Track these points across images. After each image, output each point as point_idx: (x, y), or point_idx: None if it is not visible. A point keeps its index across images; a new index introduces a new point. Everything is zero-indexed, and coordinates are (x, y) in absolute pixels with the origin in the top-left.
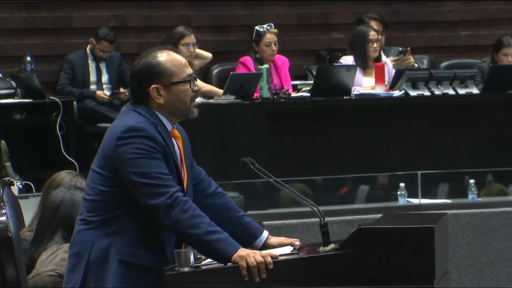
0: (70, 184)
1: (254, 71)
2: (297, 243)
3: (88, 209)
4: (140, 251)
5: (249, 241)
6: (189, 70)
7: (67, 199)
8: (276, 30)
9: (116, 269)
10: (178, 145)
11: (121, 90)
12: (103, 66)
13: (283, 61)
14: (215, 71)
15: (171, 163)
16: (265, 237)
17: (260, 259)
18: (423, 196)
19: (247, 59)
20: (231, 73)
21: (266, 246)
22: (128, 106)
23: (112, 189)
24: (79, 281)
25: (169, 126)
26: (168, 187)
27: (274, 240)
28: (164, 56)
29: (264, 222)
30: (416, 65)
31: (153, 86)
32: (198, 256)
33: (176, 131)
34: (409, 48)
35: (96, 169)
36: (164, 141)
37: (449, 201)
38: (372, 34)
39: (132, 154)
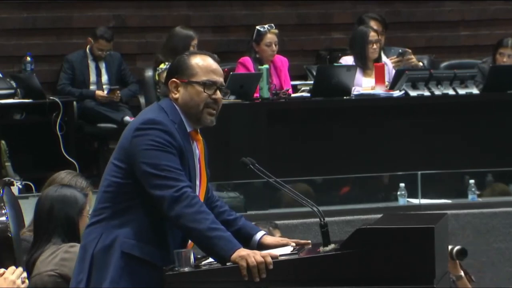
0: (70, 184)
1: (253, 71)
2: (293, 243)
3: (99, 200)
4: (144, 245)
5: (246, 240)
6: (215, 78)
7: (56, 198)
8: (276, 31)
9: (117, 261)
10: (198, 148)
11: (117, 92)
12: (102, 66)
13: (282, 62)
14: None
15: (186, 162)
16: (260, 236)
17: (260, 259)
18: (423, 196)
19: (247, 60)
20: (231, 73)
21: (262, 245)
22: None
23: (124, 180)
24: (86, 272)
25: (188, 127)
26: (177, 181)
27: (270, 239)
28: (195, 57)
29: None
30: (420, 63)
31: (173, 79)
32: (198, 256)
33: (198, 134)
34: (408, 50)
35: (113, 160)
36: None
37: (449, 201)
38: (372, 35)
39: (146, 145)
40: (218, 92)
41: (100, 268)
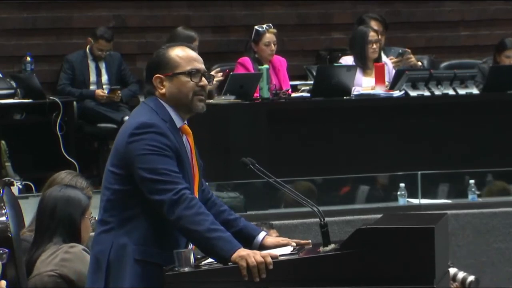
0: (70, 184)
1: (252, 71)
2: (293, 244)
3: (104, 210)
4: (155, 249)
5: (248, 241)
6: (198, 65)
7: (60, 198)
8: (275, 30)
9: (132, 268)
10: (189, 142)
11: (117, 92)
12: (102, 66)
13: (281, 62)
14: (215, 71)
15: (182, 161)
16: (262, 237)
17: (260, 259)
18: (423, 196)
19: (246, 60)
20: (231, 73)
21: (262, 246)
22: (144, 100)
23: (125, 187)
24: (102, 283)
25: (178, 122)
26: (175, 184)
27: (270, 240)
28: (174, 49)
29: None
30: (419, 63)
31: (157, 75)
32: (198, 256)
33: (187, 128)
34: (407, 49)
35: (110, 168)
36: (174, 138)
37: (449, 201)
38: (372, 35)
39: (142, 150)
40: (203, 78)
41: (116, 278)
